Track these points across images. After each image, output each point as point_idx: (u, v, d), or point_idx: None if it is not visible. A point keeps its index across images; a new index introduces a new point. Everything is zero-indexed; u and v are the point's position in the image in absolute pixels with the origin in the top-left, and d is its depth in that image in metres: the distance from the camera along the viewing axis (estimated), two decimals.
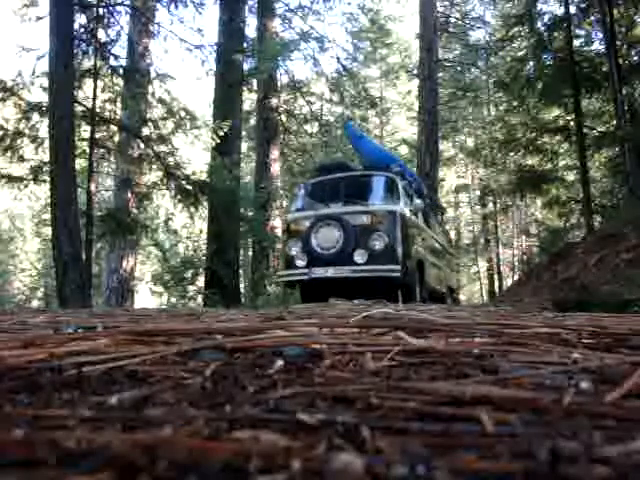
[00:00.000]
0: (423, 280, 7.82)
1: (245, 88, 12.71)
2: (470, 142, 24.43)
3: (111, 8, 9.69)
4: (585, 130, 11.42)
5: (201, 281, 11.24)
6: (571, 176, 14.14)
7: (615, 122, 10.64)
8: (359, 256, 6.96)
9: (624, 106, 10.12)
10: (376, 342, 1.06)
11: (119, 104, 10.20)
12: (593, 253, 6.88)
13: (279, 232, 13.30)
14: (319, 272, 7.08)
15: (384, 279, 6.87)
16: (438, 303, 8.00)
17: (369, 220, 7.11)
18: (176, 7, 10.38)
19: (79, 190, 7.85)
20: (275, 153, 14.35)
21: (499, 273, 23.35)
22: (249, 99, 17.39)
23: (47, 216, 10.95)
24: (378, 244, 6.97)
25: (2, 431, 0.49)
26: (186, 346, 0.99)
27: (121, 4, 9.95)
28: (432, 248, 9.04)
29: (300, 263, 7.31)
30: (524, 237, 23.11)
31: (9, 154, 9.04)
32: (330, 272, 7.03)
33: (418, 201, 8.07)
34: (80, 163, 9.57)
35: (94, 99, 9.16)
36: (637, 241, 6.28)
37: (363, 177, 8.14)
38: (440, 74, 17.42)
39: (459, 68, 19.41)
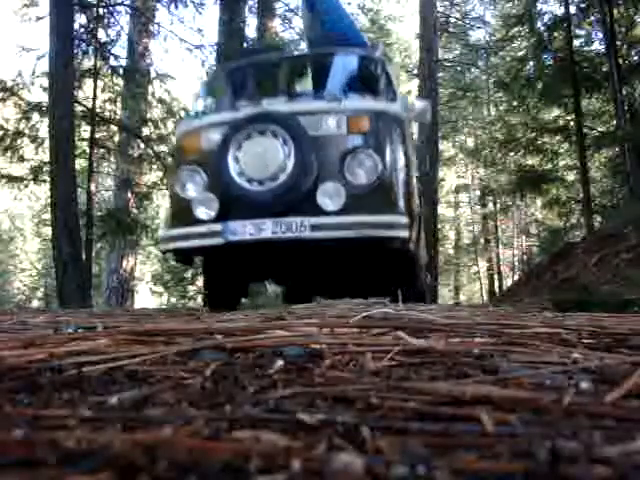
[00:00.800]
0: (419, 247, 4.64)
1: None
2: (470, 142, 24.44)
3: (111, 8, 9.70)
4: (585, 130, 11.42)
5: (201, 281, 11.24)
6: (571, 176, 14.14)
7: (615, 122, 10.64)
8: (327, 196, 3.55)
9: (624, 106, 10.11)
10: (376, 342, 1.06)
11: (119, 104, 10.21)
12: (593, 253, 6.88)
13: None
14: (244, 230, 3.57)
15: (378, 244, 3.60)
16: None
17: (343, 127, 3.68)
18: (176, 7, 10.39)
19: (79, 190, 7.85)
20: None
21: (499, 273, 23.35)
22: None
23: (47, 216, 10.95)
24: (364, 173, 3.61)
25: (2, 431, 0.49)
26: (186, 346, 0.99)
27: (121, 4, 9.96)
28: (419, 189, 5.39)
29: (203, 213, 3.78)
30: (524, 237, 23.11)
31: (9, 154, 9.05)
32: (268, 230, 3.52)
33: (421, 103, 4.55)
34: (80, 163, 9.57)
35: (94, 99, 9.17)
36: (637, 241, 6.28)
37: (325, 56, 4.52)
38: (440, 74, 17.41)
39: (459, 68, 19.43)
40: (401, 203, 3.76)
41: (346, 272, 4.35)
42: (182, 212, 3.96)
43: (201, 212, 3.82)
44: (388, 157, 3.71)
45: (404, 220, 3.63)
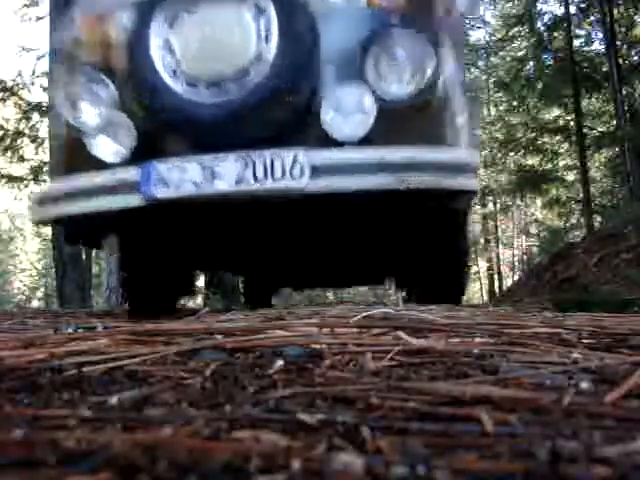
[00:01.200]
0: None
1: None
2: None
3: None
4: (585, 130, 11.43)
5: (201, 281, 11.24)
6: (571, 176, 14.15)
7: (615, 122, 10.64)
8: (340, 113, 1.93)
9: (624, 106, 10.12)
10: (376, 342, 1.06)
11: None
12: (593, 253, 6.87)
13: None
14: (181, 177, 1.89)
15: (433, 203, 2.09)
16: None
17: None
18: None
19: None
20: None
21: (499, 273, 23.33)
22: None
23: None
24: (404, 73, 1.98)
25: (2, 431, 0.49)
26: (186, 346, 0.99)
27: None
28: None
29: (108, 150, 2.10)
30: (524, 237, 23.10)
31: (9, 154, 9.05)
32: (230, 176, 1.85)
33: None
34: None
35: None
36: (637, 241, 6.28)
37: None
38: None
39: None
40: (466, 129, 2.22)
41: (360, 252, 2.75)
42: (71, 152, 2.25)
43: (104, 148, 2.14)
44: (441, 50, 2.11)
45: (476, 158, 2.22)
